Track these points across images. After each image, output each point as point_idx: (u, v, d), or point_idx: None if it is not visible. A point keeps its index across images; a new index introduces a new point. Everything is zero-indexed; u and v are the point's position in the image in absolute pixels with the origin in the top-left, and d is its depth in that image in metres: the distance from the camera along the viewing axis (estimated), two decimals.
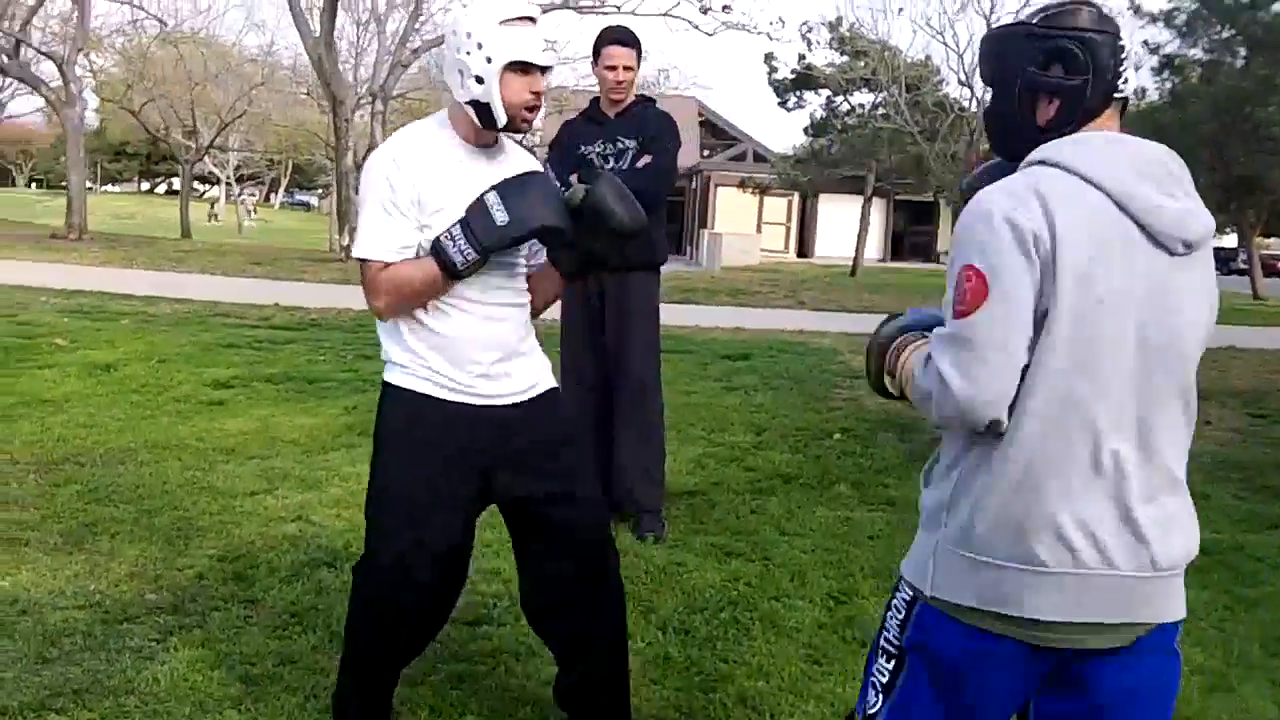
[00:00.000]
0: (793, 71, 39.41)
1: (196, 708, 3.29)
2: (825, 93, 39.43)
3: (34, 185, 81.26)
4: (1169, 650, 2.01)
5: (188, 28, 34.24)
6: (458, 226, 2.77)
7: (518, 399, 3.00)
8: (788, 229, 45.04)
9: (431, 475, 2.93)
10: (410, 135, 2.98)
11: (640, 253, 4.99)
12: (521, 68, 2.82)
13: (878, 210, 36.87)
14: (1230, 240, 55.79)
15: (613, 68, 5.07)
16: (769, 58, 39.82)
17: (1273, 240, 43.83)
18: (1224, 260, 57.61)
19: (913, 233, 47.79)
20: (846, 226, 37.35)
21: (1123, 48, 2.02)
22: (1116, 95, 2.02)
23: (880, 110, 35.25)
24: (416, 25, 24.61)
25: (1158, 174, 1.94)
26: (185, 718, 3.24)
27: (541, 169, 3.11)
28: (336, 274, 18.66)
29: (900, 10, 31.71)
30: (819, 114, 39.73)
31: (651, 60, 35.71)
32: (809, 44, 36.79)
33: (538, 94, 2.87)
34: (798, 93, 40.32)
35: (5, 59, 23.35)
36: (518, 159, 3.07)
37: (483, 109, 2.84)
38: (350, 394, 7.77)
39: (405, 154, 2.89)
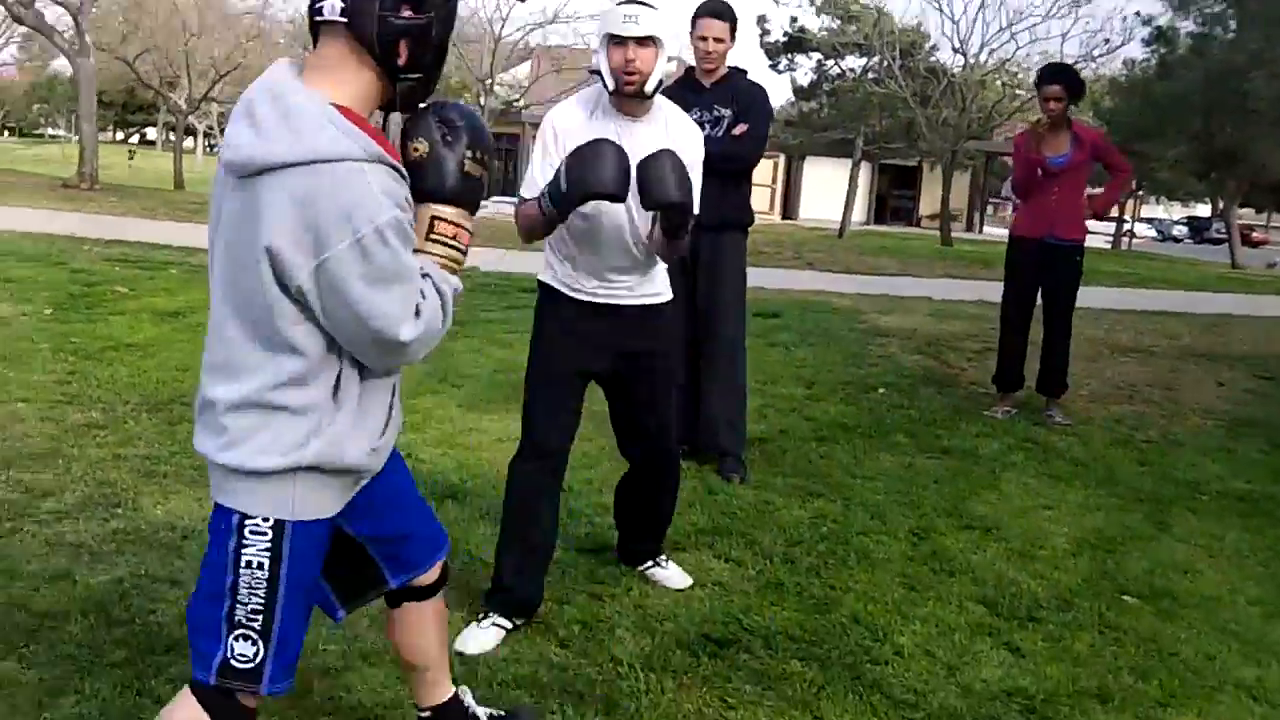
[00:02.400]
0: (784, 34, 39.72)
1: (368, 620, 3.58)
2: (816, 56, 39.82)
3: (5, 133, 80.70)
4: None
5: None
6: (548, 185, 3.29)
7: (632, 303, 3.69)
8: (773, 191, 45.32)
9: (555, 354, 3.71)
10: (572, 101, 3.68)
11: (731, 214, 5.38)
12: (615, 40, 3.44)
13: (863, 174, 37.18)
14: (1204, 209, 56.77)
15: (704, 39, 5.36)
16: (761, 20, 40.08)
17: (1246, 211, 44.48)
18: (1198, 229, 58.49)
19: (895, 196, 48.21)
20: (831, 189, 37.68)
21: None
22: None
23: (871, 75, 35.58)
24: None
25: (239, 110, 2.12)
26: (361, 631, 3.53)
27: (677, 143, 3.45)
28: None
29: None
30: (809, 77, 40.11)
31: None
32: (811, 5, 36.89)
33: (630, 61, 3.41)
34: (789, 56, 40.65)
35: (21, 9, 23.30)
36: (657, 130, 3.57)
37: (602, 76, 3.50)
38: None
39: (561, 116, 3.59)
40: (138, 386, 6.40)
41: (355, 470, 2.27)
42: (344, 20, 2.10)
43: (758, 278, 14.28)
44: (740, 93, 5.44)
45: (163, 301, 8.88)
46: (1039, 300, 7.17)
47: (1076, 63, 28.18)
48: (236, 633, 2.21)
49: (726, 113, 5.37)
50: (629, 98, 3.50)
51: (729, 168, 5.21)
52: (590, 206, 3.36)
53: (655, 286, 3.76)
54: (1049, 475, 5.90)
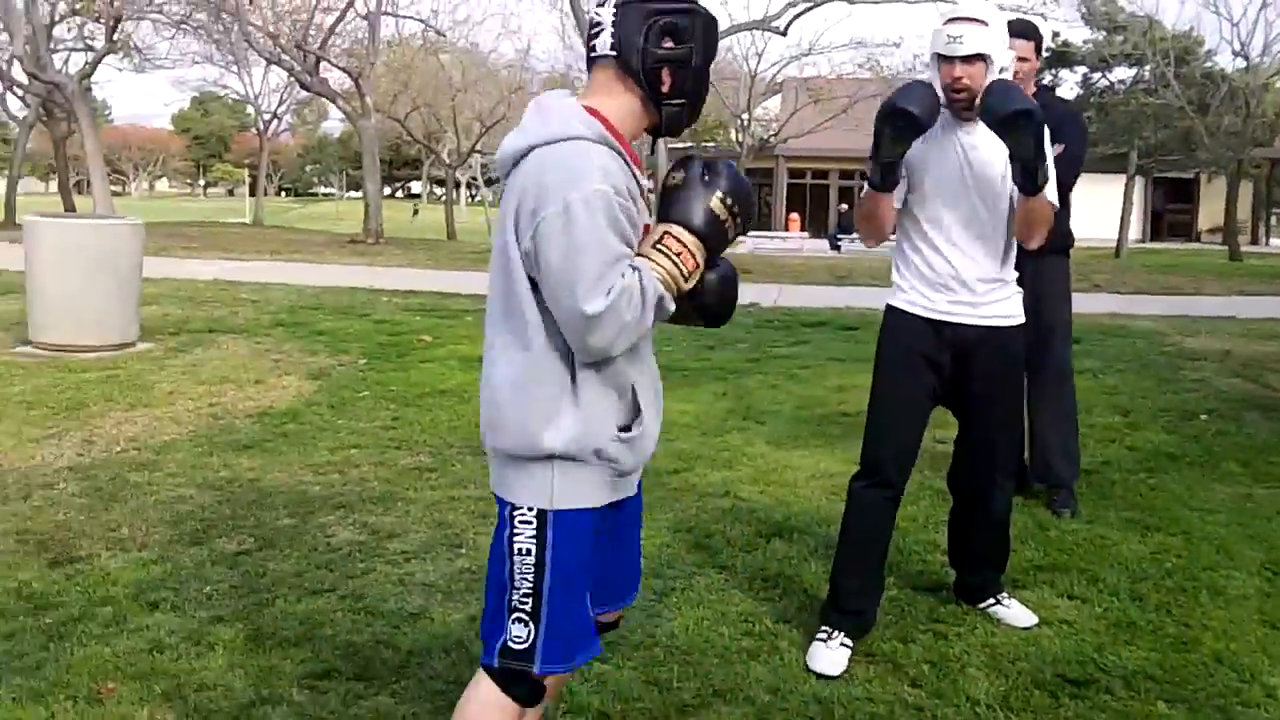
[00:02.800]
0: (1048, 49, 38.54)
1: (719, 658, 3.68)
2: (1082, 70, 38.45)
3: (282, 194, 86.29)
4: None
5: (450, 37, 35.58)
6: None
7: (976, 323, 3.70)
8: None
9: (899, 375, 3.78)
10: None
11: (1054, 238, 5.24)
12: (943, 59, 3.52)
13: (1136, 189, 35.69)
14: None
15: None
16: None
17: None
18: None
19: (1171, 211, 46.04)
20: (1103, 206, 36.25)
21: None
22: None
23: (1142, 85, 34.13)
24: None
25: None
26: (713, 668, 3.62)
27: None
28: None
29: None
30: (1075, 92, 38.72)
31: (908, 45, 35.38)
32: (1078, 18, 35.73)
33: (957, 79, 3.49)
34: (1053, 71, 39.39)
35: (308, 76, 24.95)
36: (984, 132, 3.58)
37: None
38: (713, 381, 8.31)
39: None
40: (459, 430, 6.70)
41: (609, 460, 2.39)
42: (613, 54, 2.36)
43: None
44: (1051, 112, 5.31)
45: (466, 348, 9.29)
46: None
47: None
48: (513, 616, 2.42)
49: None
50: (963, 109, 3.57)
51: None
52: (932, 189, 3.63)
53: (1006, 308, 3.77)
54: None
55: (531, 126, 2.34)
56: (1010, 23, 5.42)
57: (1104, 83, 38.33)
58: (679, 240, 2.35)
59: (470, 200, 62.59)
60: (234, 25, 26.10)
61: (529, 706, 2.51)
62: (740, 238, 2.55)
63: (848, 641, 3.72)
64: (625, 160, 2.34)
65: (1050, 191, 3.63)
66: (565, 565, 2.40)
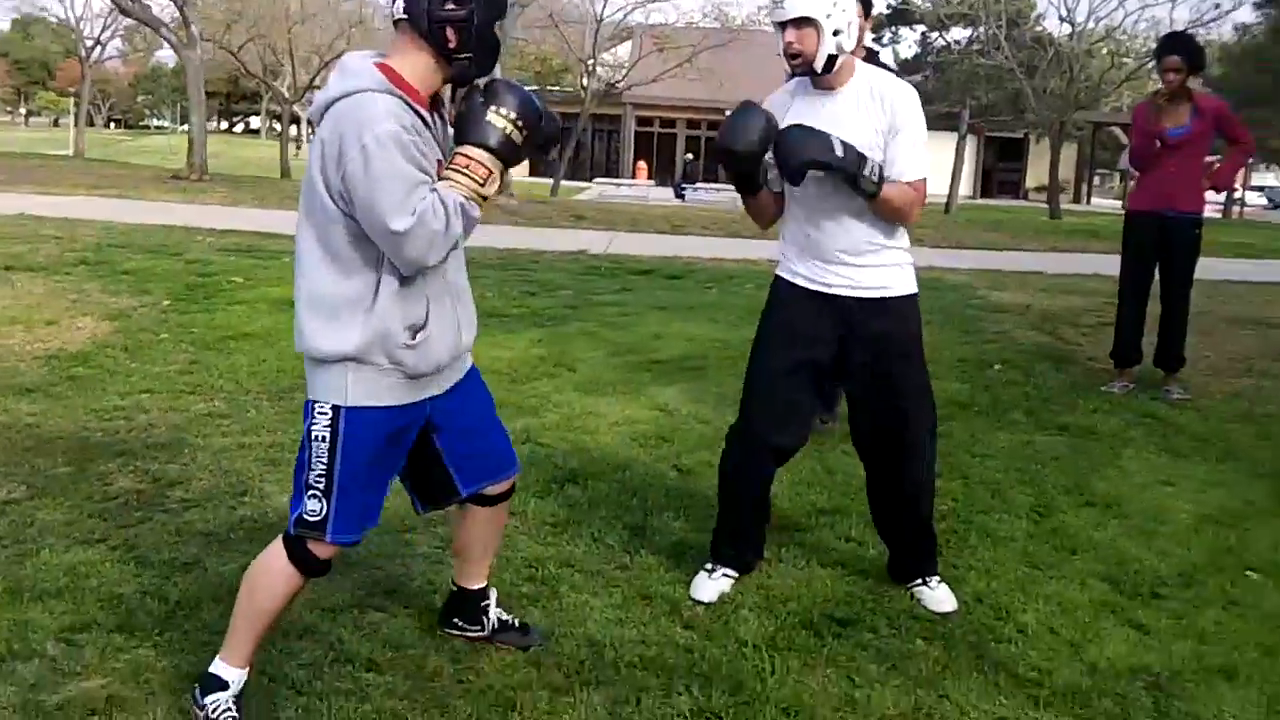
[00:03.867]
0: (888, 7, 39.22)
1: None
2: (920, 29, 39.29)
3: (112, 125, 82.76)
4: None
5: None
6: None
7: (858, 294, 3.65)
8: None
9: (772, 343, 3.78)
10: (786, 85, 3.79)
11: None
12: (777, 26, 3.52)
13: (969, 147, 36.65)
14: None
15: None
16: None
17: None
18: None
19: (1002, 169, 47.47)
20: (937, 163, 36.93)
21: None
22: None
23: (976, 46, 35.00)
24: None
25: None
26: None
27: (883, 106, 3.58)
28: None
29: None
30: (913, 50, 39.60)
31: None
32: None
33: (789, 44, 3.47)
34: (893, 28, 40.16)
35: (128, 1, 23.91)
36: (860, 96, 3.59)
37: None
38: (530, 328, 8.27)
39: (772, 98, 3.74)
40: (258, 375, 6.54)
41: (398, 364, 2.80)
42: (405, 16, 2.73)
43: None
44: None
45: (278, 290, 9.00)
46: (1156, 274, 7.03)
47: (1187, 28, 27.43)
48: (309, 493, 2.84)
49: None
50: (810, 75, 3.56)
51: None
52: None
53: (885, 277, 3.68)
54: (1169, 451, 5.80)
55: (333, 84, 2.71)
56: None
57: (940, 42, 39.22)
58: (467, 156, 2.75)
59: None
60: None
61: (311, 576, 2.93)
62: (542, 142, 2.92)
63: (731, 572, 3.90)
64: (411, 106, 2.70)
65: (911, 169, 3.54)
66: (355, 454, 2.81)
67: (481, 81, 2.84)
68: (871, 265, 3.63)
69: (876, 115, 3.53)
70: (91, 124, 67.15)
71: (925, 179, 3.59)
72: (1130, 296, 7.10)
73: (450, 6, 2.69)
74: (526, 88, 2.87)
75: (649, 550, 4.18)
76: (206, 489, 4.66)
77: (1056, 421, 6.23)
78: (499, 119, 2.75)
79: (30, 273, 9.66)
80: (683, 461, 5.23)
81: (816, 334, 3.70)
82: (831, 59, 3.47)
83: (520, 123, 2.78)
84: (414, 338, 2.79)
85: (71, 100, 52.41)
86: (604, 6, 33.63)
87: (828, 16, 3.41)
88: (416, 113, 2.71)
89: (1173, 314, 7.02)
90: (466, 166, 2.74)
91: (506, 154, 2.79)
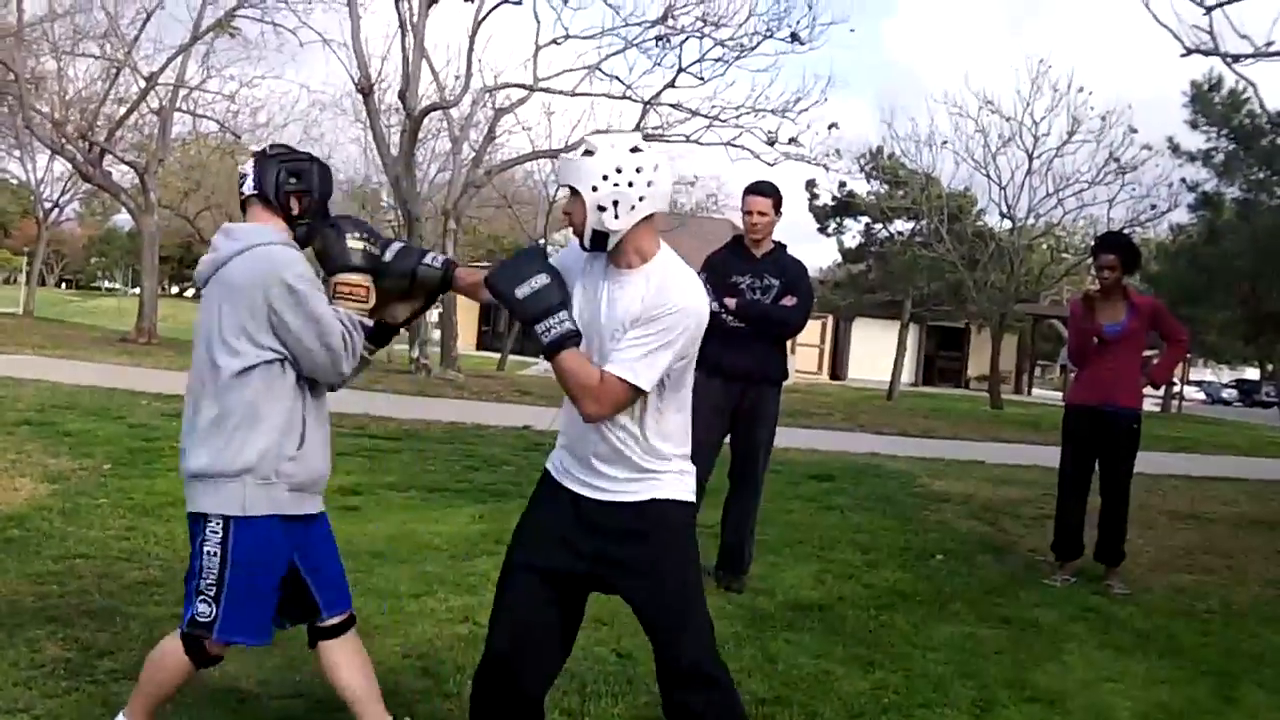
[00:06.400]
0: (833, 198, 40.35)
1: None
2: (865, 220, 40.39)
3: (64, 285, 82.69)
4: None
5: (246, 140, 35.11)
6: None
7: (608, 499, 3.30)
8: (821, 351, 45.61)
9: (525, 543, 3.50)
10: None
11: (774, 371, 6.33)
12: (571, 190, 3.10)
13: (911, 335, 37.42)
14: (1253, 372, 56.34)
15: (750, 213, 6.16)
16: (810, 184, 40.78)
17: None
18: (1248, 392, 58.11)
19: (943, 357, 48.32)
20: (879, 350, 37.84)
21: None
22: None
23: (919, 238, 35.99)
24: (489, 149, 25.25)
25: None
26: None
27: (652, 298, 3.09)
28: (410, 387, 18.96)
29: (945, 143, 32.14)
30: (857, 240, 40.60)
31: (702, 184, 36.42)
32: (860, 171, 37.60)
33: (566, 214, 3.11)
34: (838, 219, 41.24)
35: (90, 167, 24.20)
36: (647, 283, 3.13)
37: None
38: (472, 503, 8.15)
39: (564, 253, 3.29)
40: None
41: (287, 476, 3.32)
42: (255, 192, 3.45)
43: (811, 439, 14.48)
44: (787, 266, 6.24)
45: None
46: (1096, 468, 7.13)
47: (1124, 227, 28.43)
48: (200, 598, 3.31)
49: (775, 282, 6.15)
50: (597, 251, 3.13)
51: (781, 332, 6.29)
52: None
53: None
54: (1111, 646, 5.80)
55: (225, 246, 3.35)
56: (753, 183, 6.23)
57: (884, 233, 40.30)
58: (345, 283, 3.40)
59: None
60: (17, 110, 25.21)
61: (202, 667, 3.49)
62: (386, 253, 3.48)
63: None
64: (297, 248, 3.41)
65: (621, 364, 3.06)
66: (246, 562, 3.27)
67: (318, 225, 3.46)
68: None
69: (637, 303, 3.08)
70: (43, 283, 67.07)
71: (628, 387, 3.05)
72: (1071, 489, 7.18)
73: (293, 181, 3.43)
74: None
75: None
76: (136, 661, 4.48)
77: (998, 614, 6.22)
78: (355, 241, 3.40)
79: None
80: (623, 645, 5.16)
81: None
82: (599, 236, 3.05)
83: (370, 239, 3.45)
84: (297, 449, 3.32)
85: (24, 259, 52.35)
86: (556, 190, 34.37)
87: (593, 189, 3.00)
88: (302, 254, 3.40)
89: (1113, 508, 7.09)
90: (350, 292, 3.38)
91: (373, 266, 3.42)
